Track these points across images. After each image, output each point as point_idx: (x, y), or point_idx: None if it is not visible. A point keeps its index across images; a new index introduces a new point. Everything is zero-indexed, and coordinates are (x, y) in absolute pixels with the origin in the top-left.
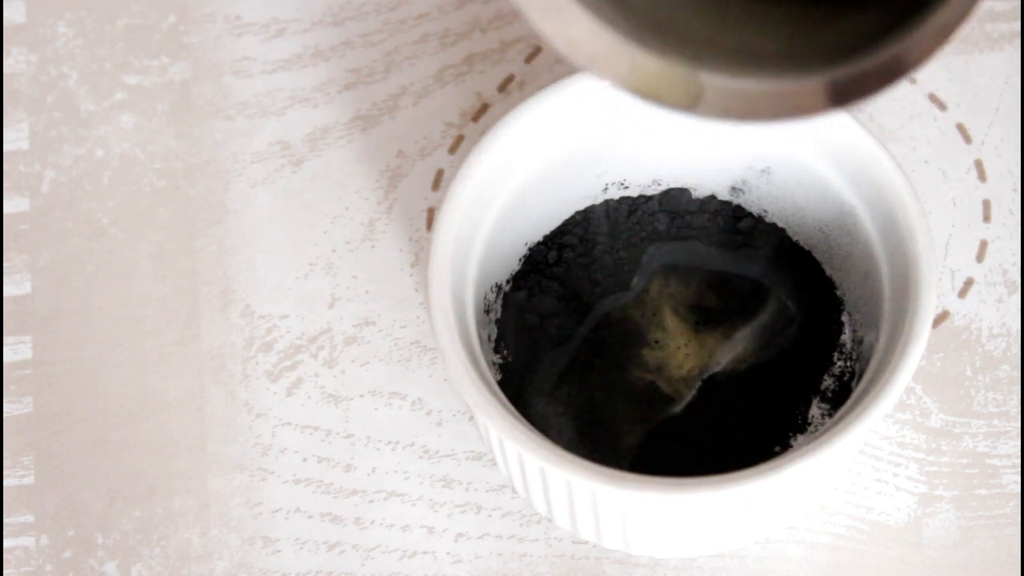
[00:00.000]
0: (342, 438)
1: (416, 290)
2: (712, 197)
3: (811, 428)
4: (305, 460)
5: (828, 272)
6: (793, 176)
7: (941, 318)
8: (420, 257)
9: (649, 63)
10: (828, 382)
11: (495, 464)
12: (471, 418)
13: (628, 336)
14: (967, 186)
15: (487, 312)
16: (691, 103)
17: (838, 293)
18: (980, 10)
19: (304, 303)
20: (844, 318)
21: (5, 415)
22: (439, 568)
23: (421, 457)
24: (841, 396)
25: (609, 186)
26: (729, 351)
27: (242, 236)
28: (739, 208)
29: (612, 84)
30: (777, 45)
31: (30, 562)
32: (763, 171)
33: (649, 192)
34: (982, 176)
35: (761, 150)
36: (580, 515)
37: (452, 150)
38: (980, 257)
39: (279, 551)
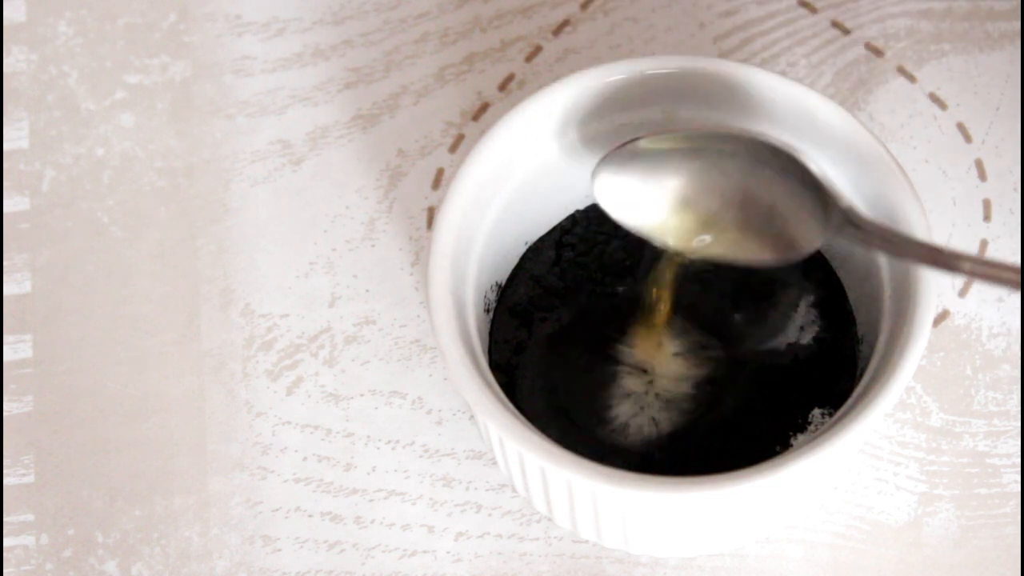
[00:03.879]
0: (342, 437)
1: (416, 289)
2: None
3: (811, 428)
4: (305, 459)
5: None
6: None
7: (941, 317)
8: (420, 256)
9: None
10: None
11: (495, 463)
12: (471, 417)
13: (629, 335)
14: (967, 186)
15: (487, 311)
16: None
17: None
18: (980, 10)
19: (304, 302)
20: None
21: (5, 414)
22: (439, 567)
23: (421, 456)
24: (841, 396)
25: None
26: (731, 349)
27: (242, 235)
28: None
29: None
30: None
31: (30, 561)
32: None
33: None
34: (982, 175)
35: None
36: (580, 514)
37: (452, 149)
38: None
39: (279, 550)
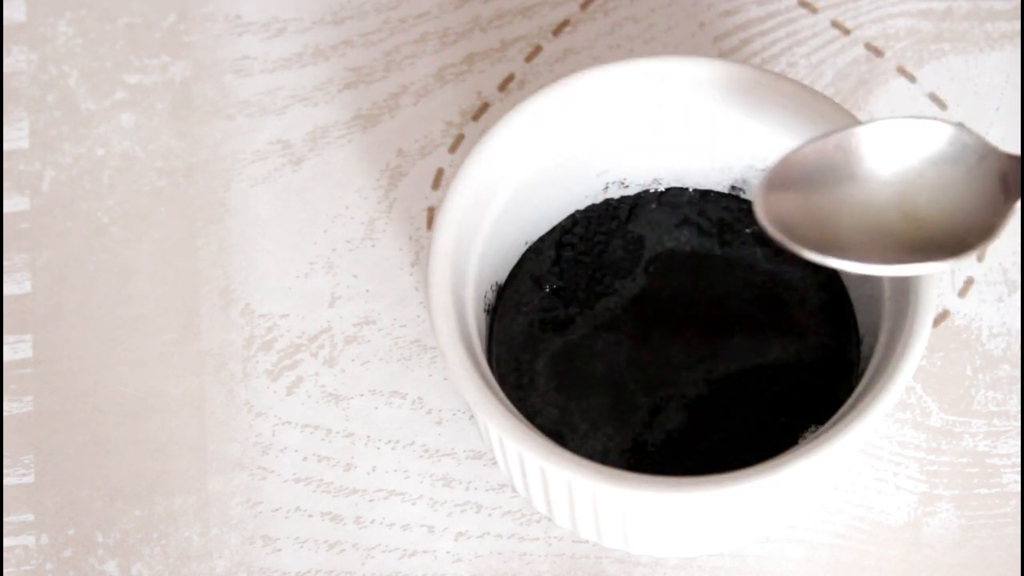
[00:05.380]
0: (342, 437)
1: (416, 289)
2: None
3: (811, 429)
4: (305, 459)
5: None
6: None
7: (941, 317)
8: (420, 256)
9: None
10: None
11: (495, 463)
12: (471, 417)
13: (629, 335)
14: None
15: (487, 311)
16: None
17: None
18: (980, 10)
19: (304, 302)
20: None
21: (5, 414)
22: (439, 567)
23: (421, 456)
24: (841, 397)
25: (609, 185)
26: (731, 350)
27: (242, 235)
28: (741, 206)
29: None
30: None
31: (30, 561)
32: (763, 171)
33: (649, 191)
34: None
35: (761, 149)
36: (580, 514)
37: (452, 149)
38: (980, 256)
39: (279, 550)
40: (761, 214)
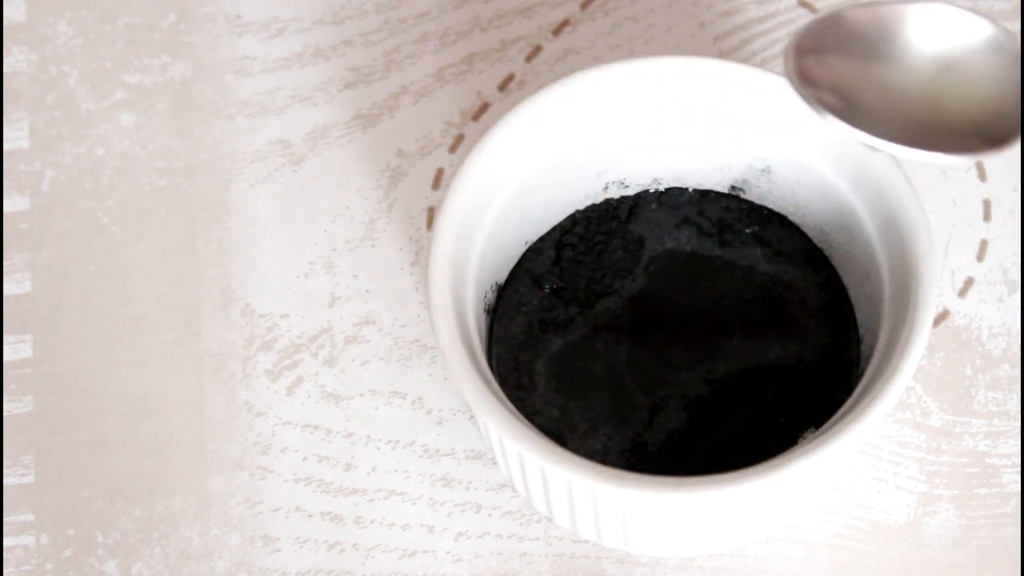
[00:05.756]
0: (342, 437)
1: (416, 289)
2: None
3: (811, 430)
4: (305, 459)
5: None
6: (793, 176)
7: (941, 317)
8: (420, 256)
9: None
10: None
11: (495, 463)
12: (471, 417)
13: (629, 335)
14: (967, 186)
15: (487, 311)
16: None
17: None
18: (980, 10)
19: (304, 302)
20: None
21: (5, 414)
22: (439, 567)
23: (421, 456)
24: (841, 398)
25: (609, 185)
26: (731, 350)
27: (242, 235)
28: (741, 206)
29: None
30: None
31: (30, 561)
32: (763, 170)
33: (649, 191)
34: (982, 175)
35: (761, 149)
36: (580, 514)
37: (452, 149)
38: (980, 256)
39: (279, 550)
40: (791, 72)
